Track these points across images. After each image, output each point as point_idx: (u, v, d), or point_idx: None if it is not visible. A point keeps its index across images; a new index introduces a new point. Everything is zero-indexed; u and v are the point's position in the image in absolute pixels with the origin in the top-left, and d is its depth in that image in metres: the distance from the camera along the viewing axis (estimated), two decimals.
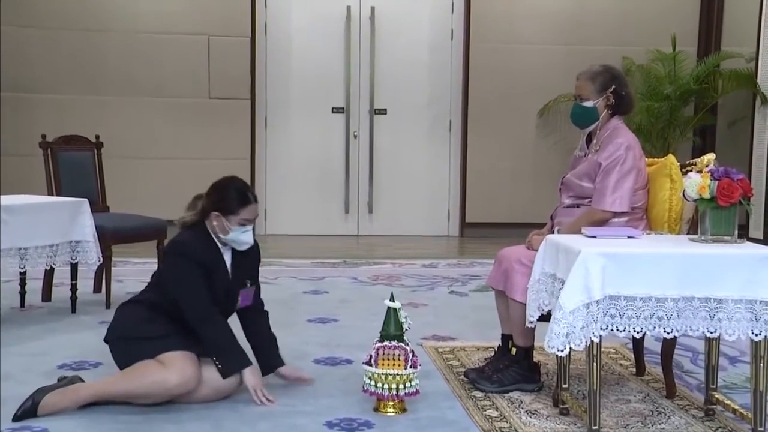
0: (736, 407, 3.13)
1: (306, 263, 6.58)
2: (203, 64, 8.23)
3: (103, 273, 5.07)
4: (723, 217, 2.94)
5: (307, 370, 3.63)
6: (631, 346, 3.88)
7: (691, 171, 3.26)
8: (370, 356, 3.19)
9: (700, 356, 3.96)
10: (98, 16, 8.12)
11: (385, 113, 8.62)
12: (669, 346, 3.45)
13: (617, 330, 2.79)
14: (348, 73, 8.52)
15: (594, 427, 2.88)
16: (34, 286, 5.04)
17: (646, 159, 3.70)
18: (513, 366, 3.49)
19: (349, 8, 8.47)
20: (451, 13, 8.59)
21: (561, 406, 3.24)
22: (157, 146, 8.23)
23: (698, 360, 3.99)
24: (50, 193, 5.21)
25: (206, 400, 3.21)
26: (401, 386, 3.15)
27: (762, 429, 2.92)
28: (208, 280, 3.28)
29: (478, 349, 4.15)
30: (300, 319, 4.73)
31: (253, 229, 3.43)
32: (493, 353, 3.72)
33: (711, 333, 2.81)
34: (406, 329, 3.23)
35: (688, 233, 3.40)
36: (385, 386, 3.14)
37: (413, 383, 3.18)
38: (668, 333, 2.79)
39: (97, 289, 5.33)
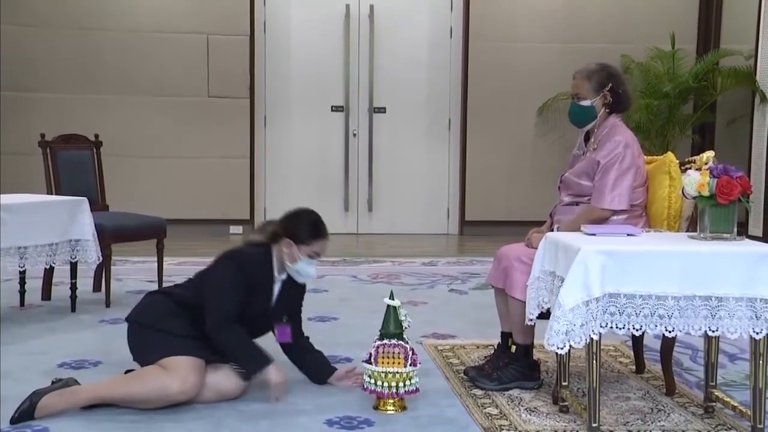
0: (736, 404, 3.13)
1: None
2: (202, 63, 8.23)
3: (103, 272, 5.07)
4: (722, 214, 2.94)
5: None
6: (630, 343, 3.88)
7: (690, 168, 3.26)
8: (370, 354, 3.19)
9: (700, 354, 3.96)
10: (97, 15, 8.12)
11: (385, 112, 8.62)
12: (668, 343, 3.46)
13: (617, 328, 2.79)
14: (347, 71, 8.52)
15: (593, 425, 2.89)
16: (34, 285, 5.04)
17: (646, 157, 3.70)
18: (513, 364, 3.49)
19: (348, 6, 8.47)
20: (450, 11, 8.59)
21: (561, 404, 3.24)
22: (156, 145, 8.23)
23: (698, 357, 3.99)
24: (49, 192, 5.21)
25: (209, 402, 3.21)
26: (401, 384, 3.15)
27: (761, 426, 2.92)
28: (248, 296, 3.28)
29: (477, 347, 4.15)
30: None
31: None
32: (492, 351, 3.72)
33: (713, 331, 2.81)
34: (405, 327, 3.23)
35: (687, 231, 3.40)
36: (385, 384, 3.14)
37: (413, 381, 3.18)
38: (670, 332, 2.79)
39: (96, 287, 5.33)
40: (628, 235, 3.08)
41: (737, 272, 2.79)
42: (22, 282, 4.91)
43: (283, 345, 3.50)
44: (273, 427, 3.02)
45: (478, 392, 3.44)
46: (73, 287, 4.80)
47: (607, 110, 3.62)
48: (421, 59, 8.61)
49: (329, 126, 8.60)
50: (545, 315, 3.04)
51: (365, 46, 8.53)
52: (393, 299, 3.23)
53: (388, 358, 3.16)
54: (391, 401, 3.18)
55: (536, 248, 3.21)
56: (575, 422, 3.10)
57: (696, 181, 2.95)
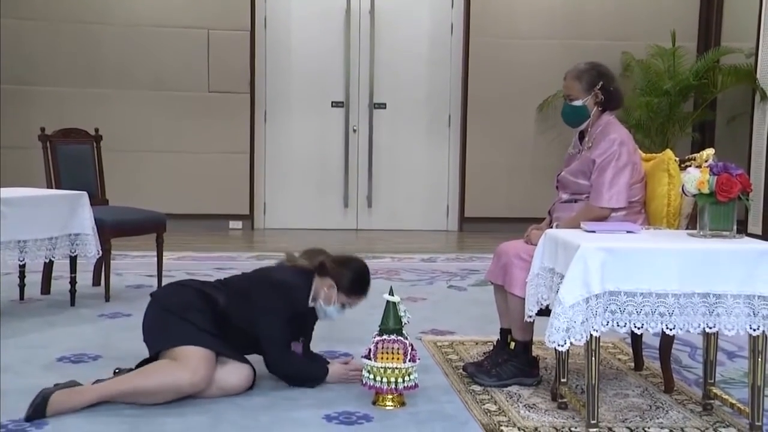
0: (734, 402, 3.14)
1: None
2: (203, 58, 8.22)
3: (102, 266, 5.07)
4: (722, 212, 2.94)
5: None
6: (629, 341, 3.89)
7: (690, 166, 3.26)
8: (369, 350, 3.19)
9: (699, 351, 3.97)
10: (98, 9, 8.12)
11: (385, 108, 8.62)
12: (667, 341, 3.46)
13: (618, 326, 2.79)
14: (347, 67, 8.51)
15: (592, 421, 2.89)
16: (34, 278, 5.04)
17: (645, 154, 3.71)
18: (512, 360, 3.50)
19: (348, 2, 8.47)
20: (450, 7, 8.59)
21: (559, 401, 3.25)
22: (156, 140, 8.23)
23: (696, 355, 4.00)
24: (49, 186, 5.21)
25: (211, 397, 3.21)
26: (400, 380, 3.16)
27: (759, 423, 2.92)
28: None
29: (476, 344, 4.16)
30: None
31: None
32: (491, 347, 3.72)
33: (710, 328, 2.81)
34: (405, 323, 3.24)
35: (687, 228, 3.41)
36: (384, 380, 3.15)
37: (412, 377, 3.19)
38: (670, 330, 2.79)
39: (96, 282, 5.33)
40: (627, 232, 3.08)
41: (736, 270, 2.79)
42: (22, 276, 4.91)
43: None
44: (273, 422, 3.02)
45: (477, 388, 3.45)
46: (73, 281, 4.80)
47: (599, 108, 3.62)
48: (421, 55, 8.61)
49: (329, 122, 8.60)
50: (544, 312, 3.05)
51: (366, 41, 8.52)
52: (392, 295, 3.23)
53: (387, 353, 3.16)
54: (390, 397, 3.19)
55: (535, 245, 3.22)
56: (574, 419, 3.11)
57: (696, 178, 2.95)
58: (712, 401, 3.24)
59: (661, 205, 3.48)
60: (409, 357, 3.17)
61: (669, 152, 3.56)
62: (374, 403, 3.21)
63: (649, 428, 3.04)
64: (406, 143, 8.66)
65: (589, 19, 8.47)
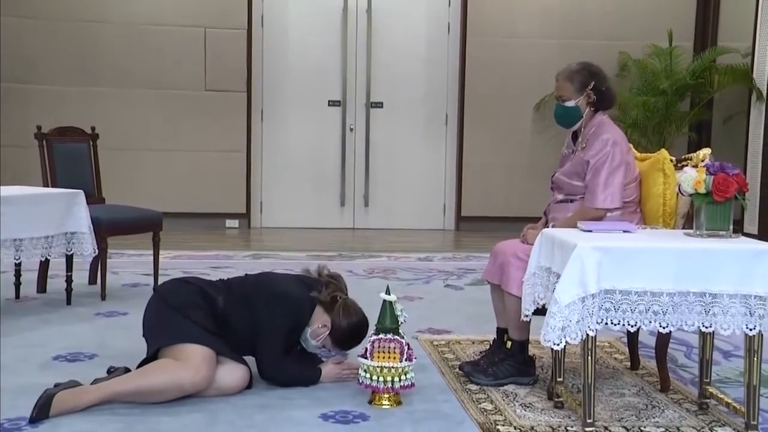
0: (730, 401, 3.14)
1: (301, 256, 6.57)
2: (200, 56, 8.22)
3: (99, 264, 5.07)
4: (718, 211, 2.95)
5: None
6: (625, 340, 3.89)
7: (686, 166, 3.26)
8: (366, 349, 3.19)
9: (695, 350, 3.97)
10: (95, 7, 8.11)
11: (382, 107, 8.62)
12: (663, 340, 3.46)
13: (612, 324, 2.80)
14: (344, 66, 8.51)
15: (588, 421, 2.89)
16: (30, 277, 5.03)
17: (640, 154, 3.71)
18: (508, 359, 3.50)
19: (346, 1, 8.46)
20: (448, 6, 8.58)
21: (555, 400, 3.25)
22: (153, 138, 8.22)
23: (692, 354, 4.00)
24: (46, 185, 5.20)
25: (206, 397, 3.21)
26: (396, 379, 3.16)
27: (755, 423, 2.93)
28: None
29: (473, 343, 4.16)
30: None
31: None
32: (488, 346, 3.73)
33: (706, 328, 2.82)
34: (401, 322, 3.24)
35: (683, 228, 3.41)
36: (381, 379, 3.15)
37: (408, 376, 3.19)
38: (664, 328, 2.80)
39: (92, 280, 5.32)
40: (624, 231, 3.08)
41: (732, 269, 2.80)
42: (18, 274, 4.90)
43: None
44: (268, 421, 3.02)
45: (474, 387, 3.45)
46: (69, 280, 4.79)
47: (592, 109, 3.62)
48: (418, 54, 8.61)
49: (326, 121, 8.59)
50: (541, 311, 3.05)
51: (363, 41, 8.52)
52: (389, 294, 3.23)
53: (383, 352, 3.16)
54: (386, 396, 3.19)
55: (531, 244, 3.22)
56: (570, 418, 3.11)
57: (692, 178, 2.95)
58: (707, 400, 3.24)
59: (657, 205, 3.49)
60: (405, 356, 3.17)
61: (664, 152, 3.56)
62: (370, 402, 3.21)
63: (645, 427, 3.05)
64: (403, 142, 8.66)
65: (585, 18, 8.47)
